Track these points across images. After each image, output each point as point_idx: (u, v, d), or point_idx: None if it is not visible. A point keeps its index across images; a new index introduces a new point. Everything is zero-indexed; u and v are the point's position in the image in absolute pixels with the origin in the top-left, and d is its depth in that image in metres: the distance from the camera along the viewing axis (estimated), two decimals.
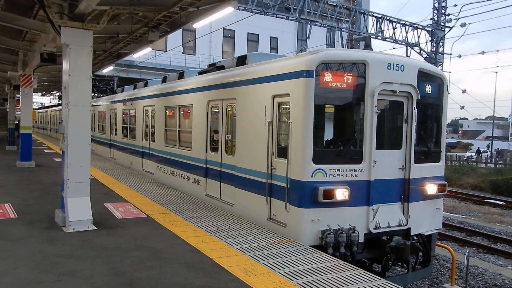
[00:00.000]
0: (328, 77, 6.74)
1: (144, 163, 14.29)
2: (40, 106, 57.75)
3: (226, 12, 8.40)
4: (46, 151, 22.35)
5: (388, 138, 7.51)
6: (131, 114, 16.19)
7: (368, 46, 7.70)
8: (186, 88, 11.10)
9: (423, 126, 7.86)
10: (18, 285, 4.81)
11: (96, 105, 21.80)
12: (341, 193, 6.67)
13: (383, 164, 7.10)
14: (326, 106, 7.27)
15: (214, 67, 10.30)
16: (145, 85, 15.99)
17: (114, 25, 10.74)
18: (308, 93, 6.57)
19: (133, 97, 15.58)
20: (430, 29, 26.63)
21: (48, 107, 46.26)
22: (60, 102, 36.92)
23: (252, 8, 21.23)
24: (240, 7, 20.36)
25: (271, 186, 7.39)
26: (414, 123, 7.35)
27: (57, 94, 41.31)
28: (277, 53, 31.45)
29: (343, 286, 5.01)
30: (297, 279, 5.14)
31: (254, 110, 7.85)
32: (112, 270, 5.28)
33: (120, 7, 7.93)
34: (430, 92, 7.76)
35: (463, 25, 24.64)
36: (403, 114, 7.38)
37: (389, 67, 7.07)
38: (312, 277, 5.23)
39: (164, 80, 13.94)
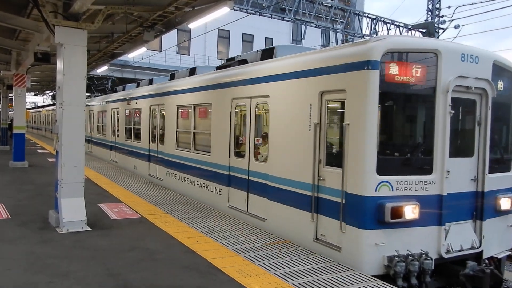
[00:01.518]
0: (394, 69, 5.62)
1: (151, 168, 13.04)
2: (34, 106, 57.31)
3: (221, 12, 8.38)
4: (39, 151, 22.21)
5: (460, 144, 6.42)
6: (135, 114, 14.94)
7: (431, 35, 6.71)
8: (203, 84, 9.89)
9: (495, 129, 6.71)
10: (11, 286, 4.76)
11: (95, 104, 20.82)
12: (411, 211, 5.60)
13: (455, 175, 6.03)
14: (391, 104, 6.12)
15: (236, 61, 9.22)
16: (150, 82, 14.92)
17: (109, 25, 10.68)
18: (371, 89, 5.47)
19: (138, 95, 14.44)
20: (424, 31, 26.76)
21: (43, 106, 45.35)
22: (54, 102, 36.60)
23: (247, 9, 21.23)
24: (235, 8, 20.33)
25: (317, 200, 6.27)
26: (489, 126, 6.31)
27: (51, 94, 40.98)
28: None
29: (339, 286, 5.01)
30: (292, 280, 5.14)
31: (295, 109, 6.75)
32: (106, 271, 5.24)
33: (115, 6, 7.89)
34: (502, 89, 6.65)
35: (456, 26, 24.73)
36: (475, 115, 6.32)
37: (462, 59, 6.02)
38: (308, 277, 5.22)
39: (173, 77, 12.97)
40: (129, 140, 15.35)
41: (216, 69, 10.06)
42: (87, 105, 22.03)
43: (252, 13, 21.74)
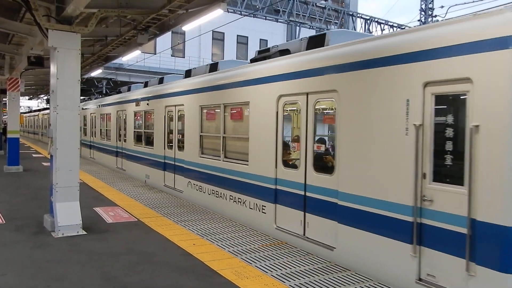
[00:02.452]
0: None
1: (167, 178, 11.53)
2: (29, 110, 56.76)
3: (215, 14, 8.39)
4: (34, 155, 22.11)
5: None
6: (147, 116, 13.41)
7: None
8: (236, 80, 8.35)
9: None
10: None
11: (97, 107, 19.50)
12: None
13: None
14: None
15: (276, 52, 7.89)
16: (161, 81, 13.47)
17: (103, 28, 10.68)
18: None
19: (151, 95, 12.80)
20: None
21: (39, 110, 43.94)
22: (48, 106, 36.33)
23: (241, 11, 21.28)
24: (229, 10, 20.37)
25: (421, 228, 4.80)
26: None
27: (45, 97, 40.76)
28: None
29: (336, 287, 5.02)
30: (289, 281, 5.14)
31: (380, 107, 5.25)
32: (102, 275, 5.22)
33: (108, 9, 7.88)
34: None
35: None
36: None
37: None
38: (304, 278, 5.22)
39: (189, 74, 11.47)
40: (139, 145, 13.88)
41: (251, 62, 8.55)
42: (87, 108, 21.34)
43: (246, 15, 21.79)
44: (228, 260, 5.82)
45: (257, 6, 21.98)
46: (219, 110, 9.04)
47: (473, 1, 18.98)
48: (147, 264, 5.65)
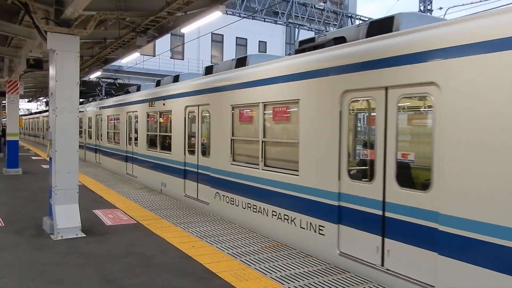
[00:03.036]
0: None
1: (188, 187, 10.34)
2: (30, 112, 56.44)
3: (214, 16, 8.39)
4: (33, 157, 22.09)
5: None
6: (162, 118, 12.19)
7: None
8: (280, 74, 7.09)
9: None
10: None
11: (103, 108, 18.23)
12: None
13: None
14: None
15: (330, 40, 6.59)
16: (175, 79, 12.26)
17: (102, 30, 10.68)
18: None
19: (167, 94, 11.55)
20: None
21: (40, 112, 42.82)
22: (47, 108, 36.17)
23: (240, 13, 21.31)
24: (228, 12, 20.40)
25: None
26: None
27: (44, 100, 40.68)
28: None
29: None
30: (288, 283, 5.13)
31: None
32: (102, 277, 5.21)
33: (107, 12, 7.89)
34: None
35: None
36: None
37: None
38: (304, 280, 5.22)
39: (210, 70, 10.22)
40: (153, 150, 12.59)
41: (295, 53, 7.35)
42: (92, 109, 20.45)
43: (245, 17, 21.83)
44: (227, 262, 5.81)
45: (256, 8, 22.02)
46: (256, 110, 7.74)
47: (472, 3, 19.00)
48: (146, 266, 5.65)
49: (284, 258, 6.07)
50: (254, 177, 7.72)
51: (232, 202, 8.40)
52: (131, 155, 14.50)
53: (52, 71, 7.22)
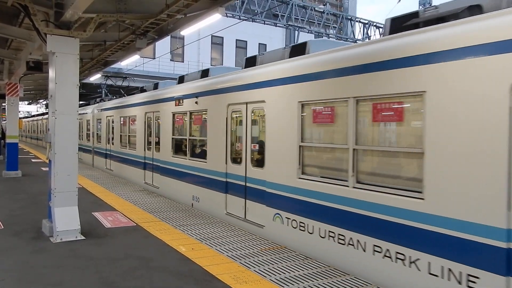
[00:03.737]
0: None
1: (231, 204, 8.48)
2: (30, 115, 56.23)
3: (213, 19, 8.40)
4: (33, 160, 22.08)
5: None
6: (194, 119, 10.41)
7: None
8: (386, 58, 5.21)
9: None
10: None
11: (114, 109, 16.56)
12: None
13: None
14: None
15: (464, 10, 4.84)
16: (205, 75, 10.56)
17: (101, 33, 10.69)
18: None
19: (201, 91, 9.71)
20: None
21: (42, 114, 41.60)
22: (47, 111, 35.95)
23: (240, 15, 21.35)
24: (228, 14, 20.46)
25: None
26: None
27: (44, 102, 40.58)
28: None
29: None
30: (288, 285, 5.12)
31: None
32: (101, 280, 5.20)
33: (107, 14, 7.90)
34: None
35: None
36: None
37: None
38: (303, 283, 5.20)
39: (253, 62, 8.50)
40: (181, 157, 10.75)
41: (393, 33, 5.53)
42: (102, 111, 18.56)
43: (245, 20, 21.86)
44: (226, 265, 5.80)
45: (256, 11, 22.05)
46: (343, 108, 5.88)
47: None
48: (146, 269, 5.63)
49: (284, 260, 6.06)
50: (341, 198, 5.83)
51: (301, 228, 6.50)
52: (151, 162, 12.59)
53: (51, 73, 7.22)
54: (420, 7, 26.56)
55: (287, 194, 6.83)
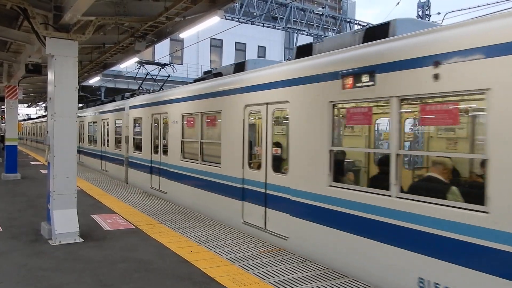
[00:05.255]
0: None
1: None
2: (30, 117, 55.93)
3: (212, 21, 8.42)
4: (32, 162, 22.06)
5: None
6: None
7: None
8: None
9: None
10: None
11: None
12: None
13: None
14: None
15: None
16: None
17: (100, 35, 10.72)
18: None
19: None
20: None
21: (44, 116, 39.73)
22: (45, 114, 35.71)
23: (239, 18, 21.39)
24: (227, 17, 20.49)
25: None
26: None
27: (43, 105, 40.45)
28: None
29: None
30: (287, 287, 5.12)
31: None
32: (99, 283, 5.19)
33: (106, 17, 7.92)
34: None
35: None
36: None
37: None
38: (302, 285, 5.20)
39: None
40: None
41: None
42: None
43: (244, 22, 21.90)
44: (225, 267, 5.79)
45: (255, 13, 22.09)
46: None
47: (469, 8, 19.10)
48: (144, 271, 5.63)
49: (283, 262, 6.05)
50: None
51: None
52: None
53: (51, 76, 7.23)
54: (419, 9, 26.65)
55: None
